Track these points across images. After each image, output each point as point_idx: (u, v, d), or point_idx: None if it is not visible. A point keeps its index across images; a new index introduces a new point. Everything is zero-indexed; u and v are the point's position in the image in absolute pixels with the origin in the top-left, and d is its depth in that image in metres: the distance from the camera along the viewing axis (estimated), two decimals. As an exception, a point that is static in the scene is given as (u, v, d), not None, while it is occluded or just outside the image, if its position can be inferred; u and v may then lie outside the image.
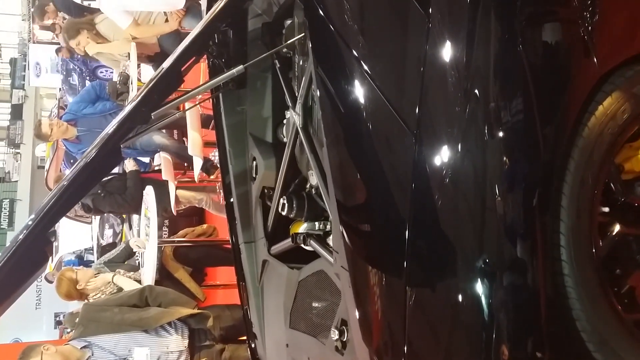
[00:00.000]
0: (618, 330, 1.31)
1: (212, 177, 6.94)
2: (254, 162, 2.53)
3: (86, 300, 4.57)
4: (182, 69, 2.17)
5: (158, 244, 4.82)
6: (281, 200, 2.25)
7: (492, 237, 1.35)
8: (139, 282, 4.72)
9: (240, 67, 2.11)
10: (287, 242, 2.33)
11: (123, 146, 2.16)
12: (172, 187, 5.61)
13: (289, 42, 1.97)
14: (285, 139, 2.39)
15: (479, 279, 1.39)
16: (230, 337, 3.98)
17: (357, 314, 1.71)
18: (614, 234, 1.39)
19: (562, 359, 1.33)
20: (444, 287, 1.52)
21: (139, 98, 2.13)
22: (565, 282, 1.28)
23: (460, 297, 1.43)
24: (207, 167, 6.96)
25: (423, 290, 1.57)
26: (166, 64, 2.14)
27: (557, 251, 1.29)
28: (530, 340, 1.34)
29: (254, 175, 2.55)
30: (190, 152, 4.94)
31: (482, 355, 1.40)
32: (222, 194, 7.03)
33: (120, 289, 4.53)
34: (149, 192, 5.20)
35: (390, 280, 1.63)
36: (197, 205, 6.54)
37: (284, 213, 2.25)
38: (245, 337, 4.07)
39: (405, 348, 1.56)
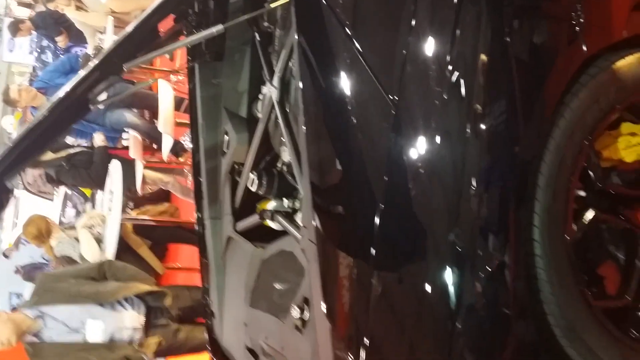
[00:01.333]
0: (586, 316, 1.30)
1: (181, 159, 6.87)
2: (226, 137, 2.48)
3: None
4: (158, 25, 2.11)
5: (121, 220, 4.73)
6: (251, 175, 2.22)
7: (465, 217, 1.33)
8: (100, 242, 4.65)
9: (220, 26, 2.05)
10: (253, 219, 2.30)
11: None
12: (139, 166, 5.51)
13: (272, 4, 1.92)
14: (259, 115, 2.35)
15: (448, 262, 1.37)
16: (187, 318, 3.92)
17: (320, 291, 1.68)
18: (587, 219, 1.38)
19: (528, 343, 1.32)
20: (412, 270, 1.50)
21: (112, 48, 2.07)
22: (536, 263, 1.27)
23: (427, 283, 1.41)
24: (177, 149, 6.86)
25: (390, 274, 1.54)
26: (142, 16, 2.08)
27: (530, 231, 1.27)
28: (497, 321, 1.32)
29: (225, 150, 2.50)
30: (160, 128, 4.86)
31: (447, 341, 1.39)
32: (190, 176, 6.98)
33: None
34: (115, 165, 5.10)
35: (357, 262, 1.60)
36: (163, 188, 6.45)
37: (252, 189, 2.21)
38: (202, 319, 4.04)
39: (368, 330, 1.54)
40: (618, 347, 1.33)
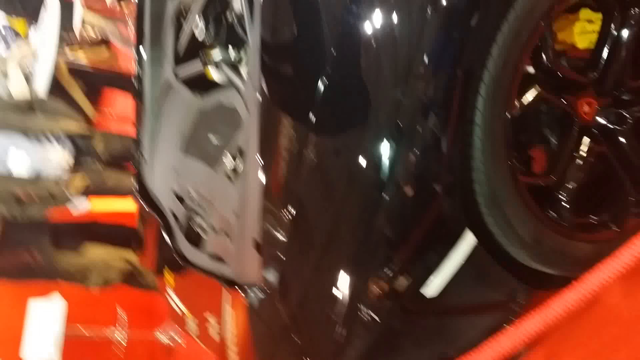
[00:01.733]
0: (510, 187, 1.35)
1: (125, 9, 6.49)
2: None
3: None
4: None
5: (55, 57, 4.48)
6: (197, 19, 2.13)
7: (411, 87, 1.32)
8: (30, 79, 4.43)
9: None
10: (195, 65, 2.23)
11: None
12: (77, 5, 5.18)
13: None
14: None
15: (387, 135, 1.37)
16: (116, 164, 3.89)
17: (257, 143, 1.68)
18: (531, 96, 1.41)
19: (450, 217, 1.37)
20: (348, 141, 1.50)
21: None
22: (474, 132, 1.29)
23: (362, 154, 1.42)
24: (120, -7, 6.48)
25: (326, 141, 1.54)
26: None
27: (474, 99, 1.29)
28: (424, 193, 1.36)
29: None
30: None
31: (371, 211, 1.41)
32: (132, 26, 6.64)
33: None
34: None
35: (296, 124, 1.60)
36: (101, 37, 6.13)
37: (198, 34, 2.13)
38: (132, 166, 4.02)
39: (297, 191, 1.56)
40: (534, 223, 1.41)
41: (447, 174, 1.36)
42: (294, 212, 1.55)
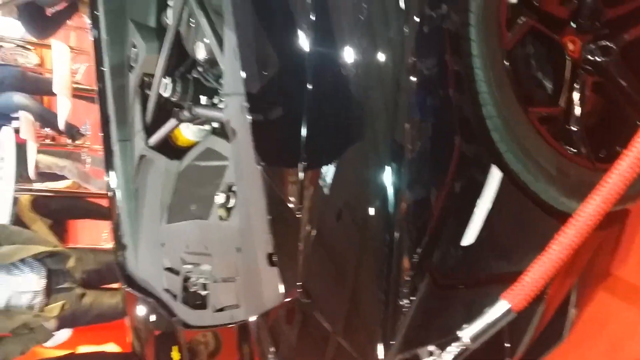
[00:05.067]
0: (523, 119, 1.29)
1: (77, 142, 6.50)
2: (134, 50, 2.35)
3: None
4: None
5: (15, 190, 4.37)
6: (164, 80, 2.10)
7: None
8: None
9: None
10: (167, 125, 2.17)
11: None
12: (31, 148, 5.13)
13: None
14: (169, 22, 2.24)
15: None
16: (93, 283, 3.67)
17: (248, 167, 1.60)
18: (521, 27, 1.38)
19: (470, 156, 1.29)
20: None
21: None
22: (474, 64, 1.25)
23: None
24: (73, 132, 6.52)
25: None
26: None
27: (467, 31, 1.26)
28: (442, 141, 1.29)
29: (132, 65, 2.36)
30: (55, 89, 4.55)
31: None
32: (88, 159, 6.60)
33: None
34: (5, 131, 4.71)
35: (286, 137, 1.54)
36: (58, 173, 6.08)
37: (166, 94, 2.09)
38: (110, 285, 3.81)
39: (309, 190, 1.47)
40: (556, 155, 1.33)
41: (459, 119, 1.30)
42: (308, 217, 1.45)
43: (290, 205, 1.43)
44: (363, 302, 1.38)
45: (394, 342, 1.28)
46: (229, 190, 1.82)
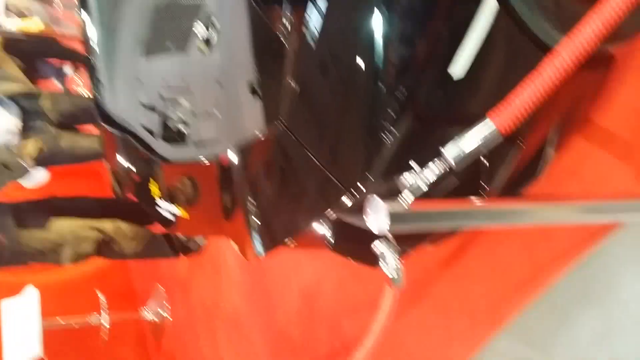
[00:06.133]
0: None
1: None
2: None
3: None
4: None
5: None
6: None
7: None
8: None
9: None
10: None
11: None
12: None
13: None
14: None
15: None
16: (68, 124, 3.63)
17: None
18: None
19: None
20: None
21: None
22: None
23: None
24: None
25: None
26: None
27: None
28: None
29: None
30: None
31: None
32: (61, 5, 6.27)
33: None
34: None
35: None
36: (26, 14, 5.79)
37: None
38: (85, 126, 3.78)
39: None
40: None
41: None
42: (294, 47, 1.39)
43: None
44: (347, 133, 1.37)
45: (376, 172, 1.30)
46: (209, 21, 1.74)
